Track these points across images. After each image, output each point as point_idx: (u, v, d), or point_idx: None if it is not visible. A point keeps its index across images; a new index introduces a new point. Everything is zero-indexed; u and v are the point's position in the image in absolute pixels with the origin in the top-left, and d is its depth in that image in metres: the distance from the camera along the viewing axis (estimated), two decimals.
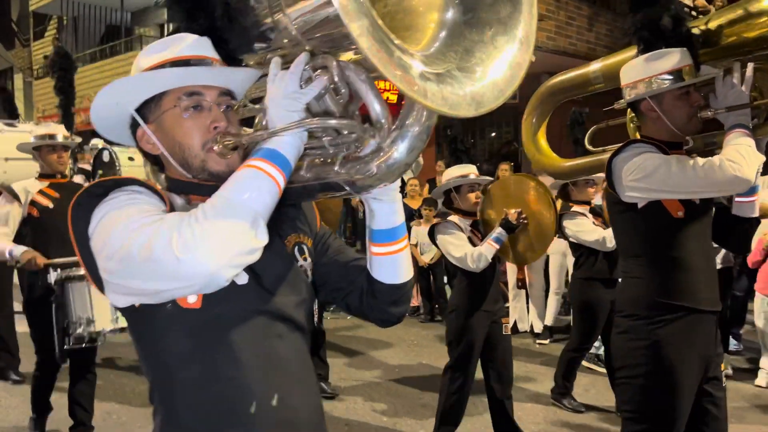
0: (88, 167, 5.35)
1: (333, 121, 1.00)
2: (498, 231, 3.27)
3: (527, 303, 6.23)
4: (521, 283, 6.20)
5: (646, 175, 1.96)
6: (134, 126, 1.18)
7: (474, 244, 3.30)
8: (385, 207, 1.18)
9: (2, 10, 18.17)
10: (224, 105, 1.15)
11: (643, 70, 2.09)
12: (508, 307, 3.63)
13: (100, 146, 5.32)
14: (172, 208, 1.10)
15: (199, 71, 1.12)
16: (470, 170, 3.46)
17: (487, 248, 3.23)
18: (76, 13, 16.00)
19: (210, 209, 0.95)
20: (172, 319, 1.07)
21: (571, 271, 5.31)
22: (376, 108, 1.02)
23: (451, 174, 3.47)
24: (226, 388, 1.09)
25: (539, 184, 3.53)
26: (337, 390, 4.46)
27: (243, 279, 1.09)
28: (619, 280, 2.32)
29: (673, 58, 2.03)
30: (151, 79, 1.13)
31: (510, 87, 0.98)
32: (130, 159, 4.75)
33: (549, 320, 5.99)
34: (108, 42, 15.03)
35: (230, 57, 1.19)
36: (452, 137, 3.86)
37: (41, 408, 3.58)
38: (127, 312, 1.10)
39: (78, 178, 4.00)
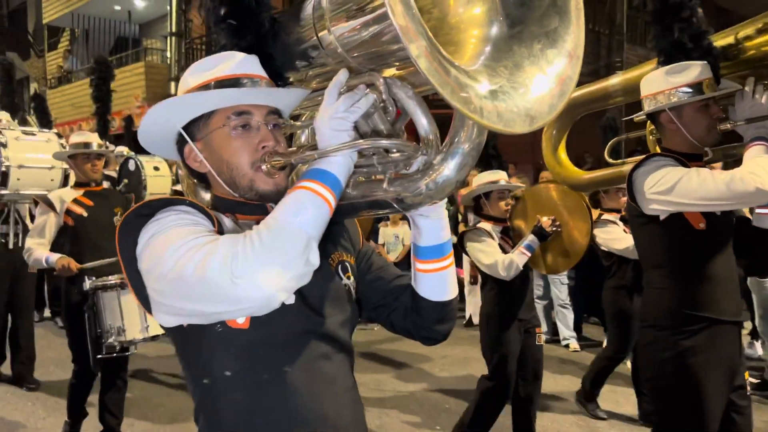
0: (114, 173, 5.28)
1: (384, 142, 0.97)
2: (530, 238, 3.11)
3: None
4: (474, 279, 6.29)
5: (668, 189, 1.93)
6: (180, 143, 1.16)
7: (505, 251, 3.17)
8: (432, 223, 1.14)
9: (19, 22, 18.48)
10: (272, 124, 1.12)
11: (663, 83, 2.07)
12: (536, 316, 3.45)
13: (125, 154, 5.27)
14: (220, 228, 1.07)
15: (248, 92, 1.10)
16: (500, 176, 3.31)
17: (519, 256, 3.07)
18: (87, 25, 16.19)
19: (265, 232, 0.91)
20: (219, 340, 1.04)
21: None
22: (424, 124, 0.98)
23: (482, 180, 3.33)
24: (272, 411, 1.05)
25: (576, 193, 3.36)
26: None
27: (290, 299, 1.05)
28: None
29: (694, 71, 2.01)
30: (202, 99, 1.10)
31: (561, 101, 0.94)
32: (156, 168, 4.68)
33: None
34: (117, 53, 15.10)
35: (276, 74, 1.16)
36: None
37: (77, 414, 3.53)
38: (175, 332, 1.06)
39: (104, 185, 3.95)
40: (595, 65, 9.29)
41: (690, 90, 2.00)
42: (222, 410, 1.07)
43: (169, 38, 12.66)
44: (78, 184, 3.56)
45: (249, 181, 1.10)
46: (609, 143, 2.89)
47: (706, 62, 2.03)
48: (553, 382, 4.63)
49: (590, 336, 6.16)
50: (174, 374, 4.73)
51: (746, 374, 2.15)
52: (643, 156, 2.11)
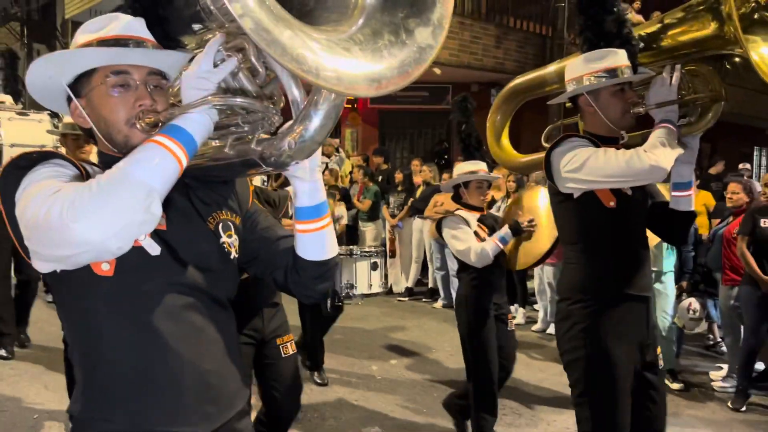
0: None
1: (238, 100, 0.96)
2: (505, 231, 3.09)
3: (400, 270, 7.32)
4: (392, 253, 7.35)
5: (578, 167, 1.94)
6: (70, 99, 1.14)
7: (479, 237, 3.15)
8: (305, 185, 1.14)
9: (49, 15, 18.45)
10: (152, 84, 1.10)
11: (582, 68, 2.07)
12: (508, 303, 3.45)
13: None
14: (88, 179, 1.05)
15: (124, 51, 1.07)
16: (480, 167, 3.31)
17: (492, 245, 3.05)
18: None
19: (105, 180, 0.91)
20: (87, 285, 1.04)
21: (428, 245, 6.80)
22: (292, 89, 0.98)
23: (462, 169, 3.33)
24: (140, 355, 1.07)
25: None
26: (326, 380, 4.17)
27: (155, 250, 1.06)
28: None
29: (611, 57, 2.02)
30: (79, 57, 1.08)
31: (416, 67, 0.92)
32: None
33: (410, 282, 7.23)
34: None
35: (169, 37, 1.14)
36: (467, 134, 3.61)
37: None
38: (50, 278, 1.07)
39: None
40: (541, 66, 9.81)
41: (606, 75, 2.01)
42: (92, 354, 1.08)
43: None
44: None
45: (124, 137, 1.09)
46: (546, 129, 2.82)
47: (624, 50, 2.04)
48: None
49: None
50: None
51: (658, 349, 2.14)
52: (559, 137, 2.11)
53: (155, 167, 0.93)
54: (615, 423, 1.96)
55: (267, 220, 1.31)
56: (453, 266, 5.96)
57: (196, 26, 1.09)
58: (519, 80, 2.86)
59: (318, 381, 4.16)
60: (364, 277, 5.91)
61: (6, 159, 3.69)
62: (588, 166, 1.91)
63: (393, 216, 7.33)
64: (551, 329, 5.42)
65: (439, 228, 3.26)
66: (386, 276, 6.70)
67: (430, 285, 7.10)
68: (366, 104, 10.52)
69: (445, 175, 6.56)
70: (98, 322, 1.06)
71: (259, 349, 2.54)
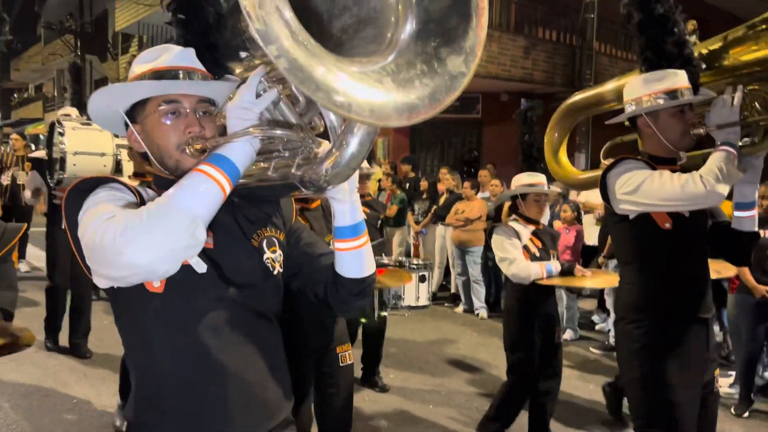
0: None
1: (278, 132, 1.00)
2: (556, 266, 3.00)
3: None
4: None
5: (634, 189, 1.92)
6: (127, 125, 1.20)
7: (529, 251, 3.06)
8: (344, 206, 1.18)
9: (102, 28, 19.14)
10: (201, 111, 1.15)
11: (642, 89, 2.03)
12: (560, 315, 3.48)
13: None
14: (142, 202, 1.12)
15: (175, 83, 1.14)
16: (539, 179, 3.20)
17: (536, 270, 2.95)
18: (152, 33, 16.66)
19: (154, 209, 0.97)
20: (140, 301, 1.10)
21: (450, 251, 6.74)
22: (330, 115, 1.02)
23: (521, 181, 3.23)
24: (187, 367, 1.11)
25: None
26: (386, 386, 4.19)
27: (202, 268, 1.11)
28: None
29: (671, 78, 1.98)
30: (133, 88, 1.15)
31: (448, 95, 0.91)
32: None
33: (434, 287, 6.79)
34: None
35: (218, 64, 1.19)
36: (528, 144, 3.51)
37: None
38: (109, 293, 1.13)
39: None
40: (570, 76, 9.96)
41: (666, 96, 1.97)
42: (147, 365, 1.13)
43: None
44: (135, 174, 3.59)
45: (175, 161, 1.14)
46: (605, 146, 2.77)
47: (684, 70, 1.99)
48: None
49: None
50: None
51: (716, 371, 2.08)
52: (615, 159, 2.08)
53: (200, 195, 0.98)
54: None
55: (310, 236, 1.35)
56: (474, 273, 6.39)
57: (243, 54, 1.12)
58: (577, 97, 2.85)
59: (379, 387, 4.15)
60: (411, 289, 5.87)
61: (69, 165, 3.82)
62: (643, 190, 1.89)
63: (417, 222, 7.40)
64: (567, 334, 5.53)
65: (490, 233, 3.18)
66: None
67: (452, 290, 7.13)
68: None
69: (466, 184, 6.61)
70: (149, 334, 1.12)
71: (319, 357, 2.54)
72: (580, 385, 4.35)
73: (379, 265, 4.00)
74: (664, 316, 1.95)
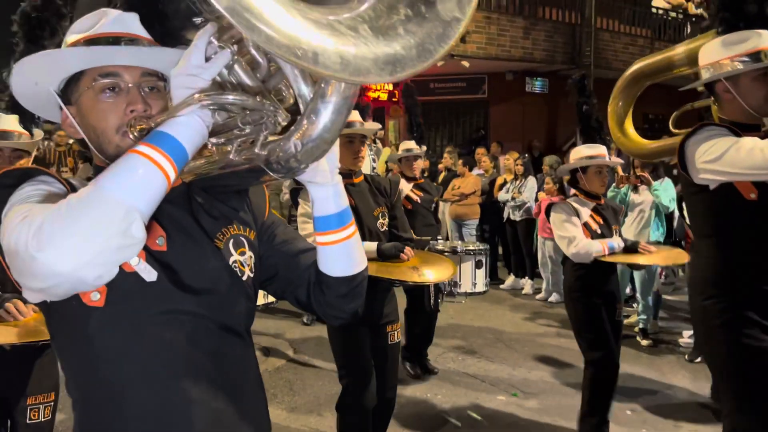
0: None
1: (230, 97, 0.77)
2: (618, 242, 2.72)
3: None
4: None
5: (717, 158, 1.71)
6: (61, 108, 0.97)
7: (590, 228, 2.76)
8: (322, 190, 0.94)
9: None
10: (147, 87, 0.92)
11: (720, 52, 1.82)
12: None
13: None
14: None
15: (111, 50, 0.91)
16: (600, 151, 2.82)
17: (598, 247, 2.67)
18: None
19: (75, 201, 0.74)
20: (77, 317, 0.87)
21: (448, 225, 6.57)
22: (298, 81, 0.79)
23: (580, 153, 2.86)
24: (140, 396, 0.87)
25: None
26: (436, 368, 3.87)
27: (151, 276, 0.87)
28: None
29: (752, 40, 1.77)
30: (59, 58, 0.92)
31: (441, 44, 0.70)
32: None
33: None
34: None
35: (170, 35, 0.95)
36: (587, 115, 3.21)
37: None
38: (42, 308, 0.91)
39: None
40: (571, 54, 9.82)
41: (747, 59, 1.75)
42: (85, 389, 0.91)
43: None
44: None
45: (116, 147, 0.90)
46: (674, 113, 2.56)
47: (765, 31, 1.76)
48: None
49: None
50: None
51: None
52: (695, 125, 1.85)
53: (135, 183, 0.76)
54: None
55: (286, 232, 1.11)
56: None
57: (197, 19, 0.89)
58: (642, 63, 2.63)
59: (429, 369, 3.87)
60: (467, 276, 5.63)
61: None
62: (728, 158, 1.69)
63: None
64: (552, 297, 5.81)
65: (548, 211, 2.89)
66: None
67: None
68: None
69: (460, 161, 6.62)
70: (91, 358, 0.88)
71: (370, 332, 2.39)
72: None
73: (436, 251, 3.79)
74: (746, 293, 1.77)
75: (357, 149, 2.34)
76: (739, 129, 1.76)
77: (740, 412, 1.75)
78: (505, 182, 6.38)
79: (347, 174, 2.35)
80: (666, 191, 4.44)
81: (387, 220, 2.41)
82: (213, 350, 0.92)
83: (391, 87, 10.31)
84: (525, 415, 3.17)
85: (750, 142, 1.66)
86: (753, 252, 1.78)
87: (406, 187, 3.82)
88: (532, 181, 6.22)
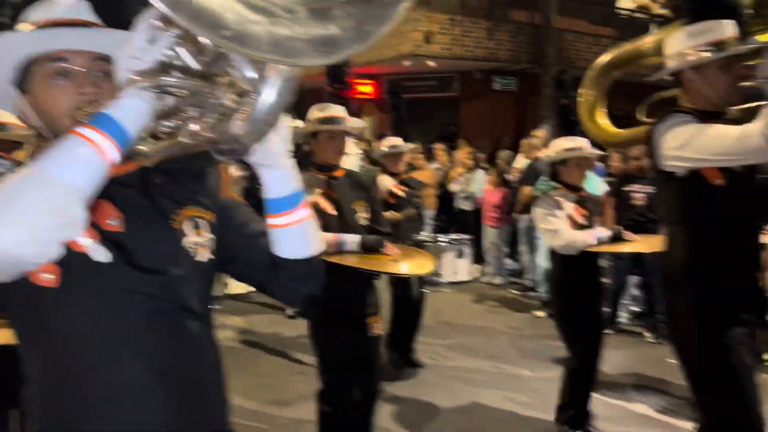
0: None
1: (169, 79, 0.75)
2: (605, 233, 2.67)
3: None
4: None
5: (682, 144, 1.70)
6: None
7: (574, 221, 2.69)
8: (272, 173, 0.93)
9: None
10: (99, 72, 0.91)
11: (685, 42, 1.80)
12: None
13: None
14: None
15: (60, 32, 0.89)
16: (580, 143, 2.76)
17: (583, 239, 2.60)
18: None
19: (15, 180, 0.73)
20: (30, 299, 0.87)
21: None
22: (242, 65, 0.75)
23: (560, 146, 2.79)
24: (96, 381, 0.87)
25: None
26: (422, 362, 3.78)
27: (104, 256, 0.86)
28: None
29: (716, 29, 1.75)
30: (8, 44, 0.89)
31: (379, 26, 0.66)
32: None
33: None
34: None
35: (125, 21, 0.91)
36: (564, 107, 3.18)
37: None
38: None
39: None
40: (536, 54, 9.86)
41: (712, 48, 1.73)
42: (44, 379, 0.89)
43: None
44: None
45: (66, 132, 0.88)
46: (644, 103, 2.47)
47: (730, 20, 1.74)
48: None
49: None
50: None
51: None
52: (664, 113, 1.84)
53: (75, 163, 0.74)
54: (747, 407, 1.67)
55: (244, 214, 1.08)
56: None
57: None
58: (613, 54, 2.60)
59: (415, 362, 3.80)
60: (449, 265, 5.74)
61: None
62: (693, 144, 1.68)
63: None
64: (496, 280, 6.11)
65: (532, 206, 2.84)
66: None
67: None
68: (380, 94, 10.75)
69: (420, 155, 6.74)
70: (46, 341, 0.88)
71: (351, 324, 2.34)
72: None
73: (416, 243, 3.74)
74: (716, 280, 1.76)
75: (339, 145, 2.33)
76: (705, 117, 1.75)
77: (708, 402, 1.74)
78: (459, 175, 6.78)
79: (328, 168, 2.33)
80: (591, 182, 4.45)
81: (367, 214, 2.36)
82: (169, 330, 0.91)
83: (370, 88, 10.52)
84: (515, 410, 3.11)
85: (715, 128, 1.65)
86: (722, 240, 1.77)
87: (390, 183, 3.76)
88: (480, 174, 6.56)
